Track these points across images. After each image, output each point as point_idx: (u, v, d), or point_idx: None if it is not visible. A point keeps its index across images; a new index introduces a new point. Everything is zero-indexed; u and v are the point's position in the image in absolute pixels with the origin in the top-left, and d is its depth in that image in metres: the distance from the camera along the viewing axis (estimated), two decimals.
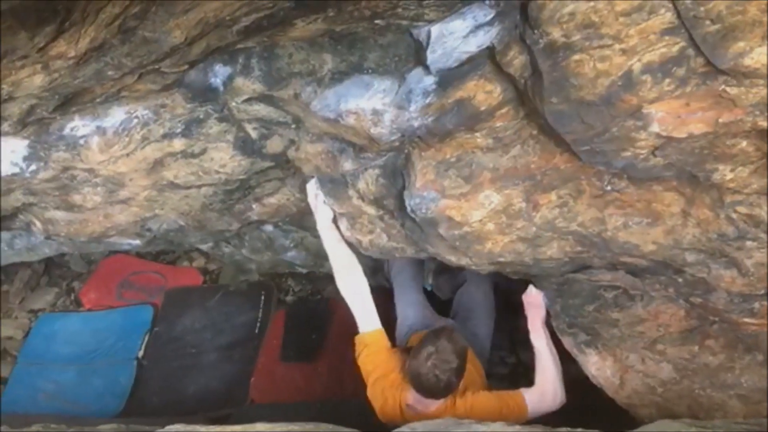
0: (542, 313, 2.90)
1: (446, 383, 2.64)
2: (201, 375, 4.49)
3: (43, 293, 5.24)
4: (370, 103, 2.35)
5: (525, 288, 3.02)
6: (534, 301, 2.92)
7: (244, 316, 4.73)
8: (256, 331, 4.63)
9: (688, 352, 2.52)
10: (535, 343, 2.91)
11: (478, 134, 2.28)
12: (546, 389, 2.84)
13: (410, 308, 3.49)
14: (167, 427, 2.25)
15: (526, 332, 3.73)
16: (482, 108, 2.20)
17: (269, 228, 4.19)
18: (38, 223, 3.61)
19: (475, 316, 3.57)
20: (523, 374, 4.21)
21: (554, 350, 2.87)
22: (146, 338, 4.76)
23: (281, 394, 4.25)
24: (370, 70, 2.33)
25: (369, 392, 2.95)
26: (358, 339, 3.00)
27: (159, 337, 4.77)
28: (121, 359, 4.66)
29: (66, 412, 4.32)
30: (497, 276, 3.48)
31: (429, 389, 2.67)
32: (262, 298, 4.79)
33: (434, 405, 2.74)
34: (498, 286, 3.89)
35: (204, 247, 4.61)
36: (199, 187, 3.18)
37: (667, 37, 1.76)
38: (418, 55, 2.23)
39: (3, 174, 3.00)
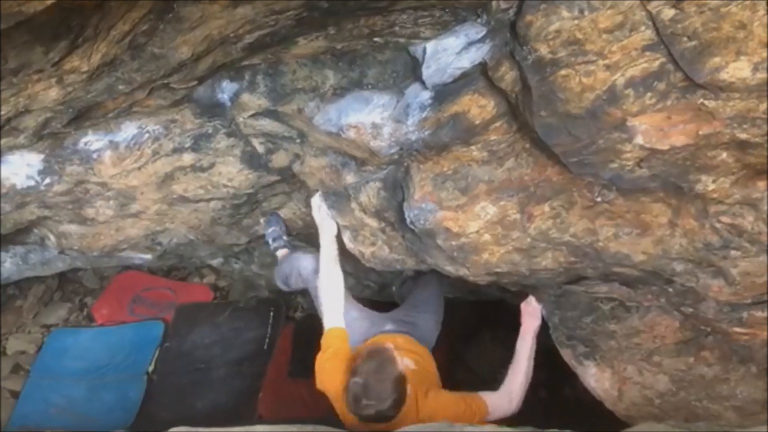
0: (536, 324, 2.93)
1: (385, 416, 2.56)
2: (210, 390, 4.60)
3: (57, 308, 5.39)
4: (370, 117, 2.47)
5: None
6: (532, 311, 2.95)
7: (253, 332, 4.85)
8: (265, 347, 4.74)
9: (684, 364, 2.60)
10: (519, 347, 2.93)
11: (473, 147, 2.39)
12: (511, 395, 2.86)
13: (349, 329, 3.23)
14: (172, 429, 2.35)
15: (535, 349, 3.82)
16: (477, 122, 2.32)
17: None
18: (52, 237, 3.75)
19: (418, 309, 3.43)
20: (531, 392, 4.28)
21: (532, 363, 2.91)
22: (156, 353, 4.89)
23: (289, 409, 4.34)
24: (369, 86, 2.45)
25: (319, 386, 2.97)
26: (329, 333, 2.96)
27: (169, 352, 4.89)
28: (132, 374, 4.78)
29: (76, 427, 4.45)
30: (503, 292, 3.58)
31: (370, 421, 2.60)
32: (271, 314, 4.91)
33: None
34: (504, 302, 3.97)
35: (214, 263, 4.74)
36: (208, 200, 3.32)
37: (647, 53, 1.87)
38: (415, 71, 2.36)
39: (19, 187, 3.14)
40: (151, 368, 4.80)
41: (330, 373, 2.85)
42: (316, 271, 3.14)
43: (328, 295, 3.00)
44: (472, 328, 4.61)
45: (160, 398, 4.61)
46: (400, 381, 2.57)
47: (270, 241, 3.56)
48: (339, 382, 2.72)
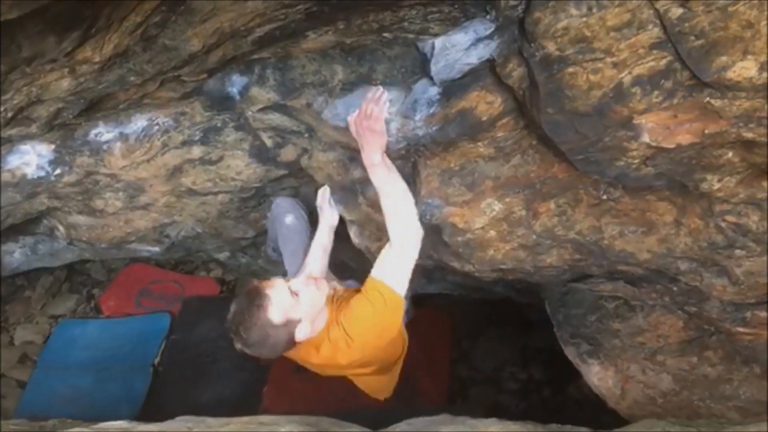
0: (382, 140, 2.45)
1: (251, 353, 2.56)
2: (215, 383, 4.62)
3: (64, 299, 5.42)
4: None
5: (538, 304, 3.09)
6: (372, 116, 2.40)
7: None
8: None
9: (687, 363, 2.61)
10: (375, 181, 2.49)
11: (480, 143, 2.41)
12: (403, 241, 2.51)
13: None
14: (177, 418, 2.38)
15: (539, 349, 3.76)
16: (484, 118, 2.33)
17: None
18: (61, 228, 3.79)
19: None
20: (535, 390, 4.31)
21: (401, 182, 2.50)
22: (163, 346, 4.92)
23: (293, 403, 4.36)
24: (378, 81, 2.48)
25: None
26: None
27: (175, 344, 4.91)
28: (138, 366, 4.81)
29: (82, 417, 4.48)
30: (508, 290, 3.59)
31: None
32: None
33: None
34: (510, 300, 3.99)
35: (221, 257, 4.77)
36: (216, 194, 3.35)
37: (655, 52, 1.88)
38: (423, 66, 2.38)
39: (29, 177, 3.18)
40: (157, 360, 4.82)
41: None
42: (287, 211, 3.21)
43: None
44: (477, 326, 4.62)
45: (165, 390, 4.64)
46: (270, 327, 2.45)
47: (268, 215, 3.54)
48: None
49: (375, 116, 2.41)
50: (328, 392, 4.43)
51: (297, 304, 2.50)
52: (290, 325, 2.49)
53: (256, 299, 2.47)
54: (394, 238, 2.51)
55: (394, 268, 2.52)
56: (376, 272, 2.53)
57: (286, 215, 3.25)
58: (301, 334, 2.52)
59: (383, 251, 2.54)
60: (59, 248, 4.31)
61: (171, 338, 4.97)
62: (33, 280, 5.41)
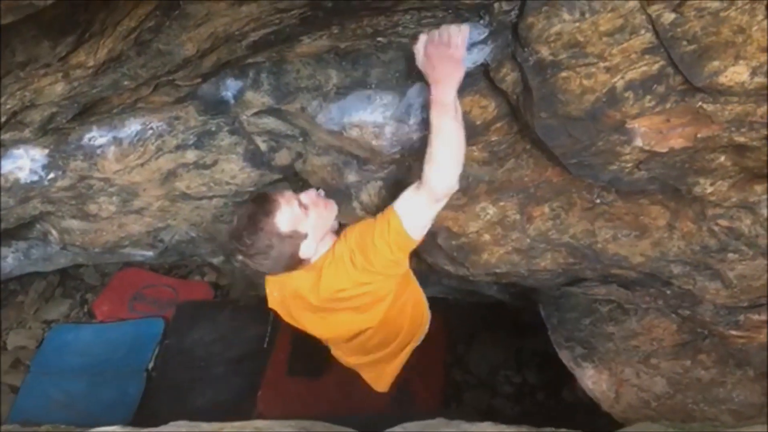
0: (461, 72, 2.15)
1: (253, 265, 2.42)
2: (209, 387, 4.63)
3: (58, 304, 5.43)
4: (372, 116, 2.50)
5: (532, 307, 3.09)
6: (453, 42, 2.09)
7: (253, 330, 4.88)
8: (265, 345, 4.77)
9: (681, 367, 2.63)
10: (439, 122, 2.16)
11: (474, 148, 2.42)
12: (439, 184, 2.24)
13: None
14: (171, 423, 2.38)
15: (534, 352, 3.76)
16: (478, 122, 2.34)
17: None
18: (55, 233, 3.78)
19: None
20: (530, 394, 4.33)
21: (462, 132, 2.19)
22: (156, 350, 4.93)
23: (288, 407, 4.37)
24: (372, 86, 2.48)
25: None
26: None
27: (169, 349, 4.93)
28: (131, 371, 4.82)
29: (76, 422, 4.48)
30: (503, 294, 3.61)
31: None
32: (272, 313, 4.94)
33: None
34: (505, 304, 4.01)
35: (215, 261, 4.77)
36: (210, 198, 3.35)
37: (647, 56, 1.90)
38: (418, 71, 2.39)
39: (23, 182, 3.17)
40: (150, 365, 4.84)
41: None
42: None
43: None
44: (472, 329, 4.64)
45: (159, 395, 4.65)
46: (275, 235, 2.35)
47: None
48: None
49: (456, 41, 2.09)
50: (322, 396, 4.44)
51: (305, 217, 2.42)
52: (296, 237, 2.39)
53: (264, 204, 2.38)
54: (433, 184, 2.24)
55: (417, 209, 2.31)
56: (398, 207, 2.33)
57: None
58: (306, 249, 2.43)
59: (410, 189, 2.34)
60: (52, 253, 4.29)
61: (165, 343, 4.98)
62: (26, 285, 5.43)
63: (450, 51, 2.10)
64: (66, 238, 3.75)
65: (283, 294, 2.73)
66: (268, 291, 2.85)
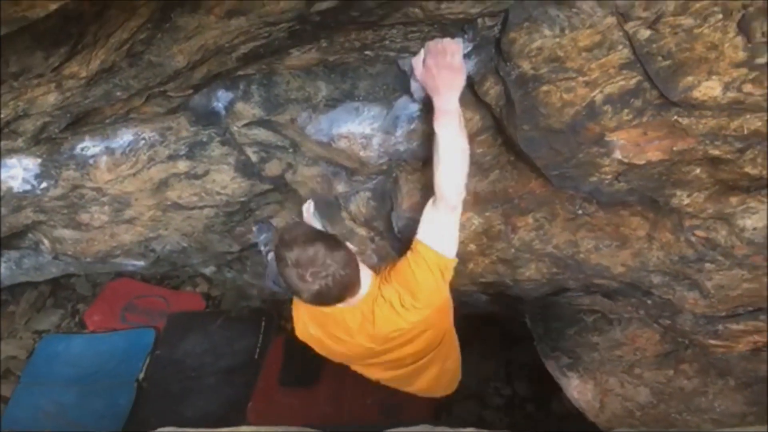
0: (462, 79, 2.22)
1: (340, 286, 2.31)
2: (200, 398, 4.69)
3: (49, 314, 5.48)
4: (360, 128, 2.57)
5: (522, 319, 3.11)
6: (449, 51, 2.19)
7: (244, 341, 4.95)
8: (256, 356, 4.84)
9: (664, 376, 2.69)
10: (443, 130, 2.23)
11: None
12: (456, 197, 2.32)
13: None
14: (159, 429, 2.43)
15: (523, 365, 3.80)
16: None
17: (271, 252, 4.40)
18: (46, 242, 3.83)
19: None
20: (519, 406, 4.38)
21: (465, 135, 2.27)
22: (147, 361, 4.98)
23: (279, 418, 4.42)
24: (360, 98, 2.55)
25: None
26: None
27: (160, 360, 4.99)
28: (122, 381, 4.87)
29: None
30: (492, 305, 3.67)
31: (322, 302, 2.37)
32: (263, 324, 5.02)
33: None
34: (495, 316, 4.06)
35: (207, 271, 4.82)
36: (202, 208, 3.41)
37: (624, 71, 1.98)
38: (404, 84, 2.46)
39: (15, 191, 3.22)
40: (141, 375, 4.89)
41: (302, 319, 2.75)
42: None
43: None
44: (462, 342, 4.68)
45: (150, 405, 4.70)
46: (340, 243, 2.33)
47: (262, 247, 3.57)
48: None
49: (452, 50, 2.19)
50: (313, 407, 4.50)
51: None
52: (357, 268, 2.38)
53: (329, 238, 2.36)
54: (447, 194, 2.30)
55: (440, 226, 2.37)
56: (422, 235, 2.40)
57: None
58: (365, 281, 2.44)
59: (430, 209, 2.39)
60: (44, 262, 4.33)
61: (156, 353, 5.04)
62: (17, 295, 5.47)
63: (448, 60, 2.20)
64: (58, 247, 3.80)
65: (324, 330, 2.71)
66: (298, 325, 2.85)
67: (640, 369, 2.72)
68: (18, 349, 5.25)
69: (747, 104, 1.85)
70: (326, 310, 2.49)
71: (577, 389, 2.88)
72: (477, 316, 4.18)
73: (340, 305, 2.42)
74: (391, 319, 2.45)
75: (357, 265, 2.38)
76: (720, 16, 1.76)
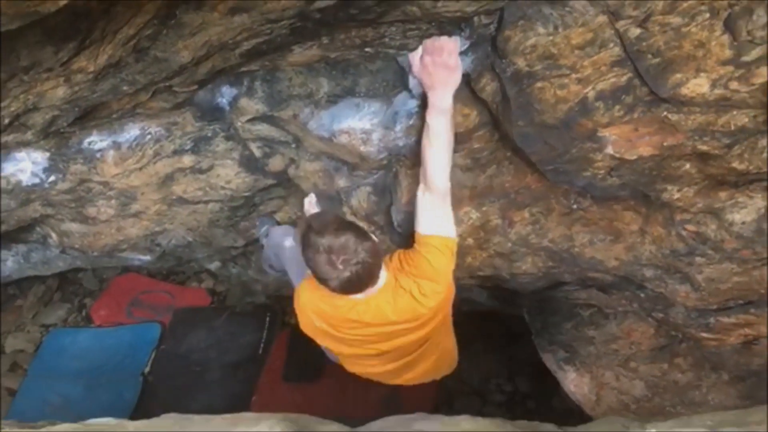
0: (457, 77, 2.34)
1: (368, 271, 2.42)
2: (204, 392, 4.75)
3: (56, 308, 5.54)
4: (361, 123, 2.64)
5: (524, 316, 3.22)
6: (446, 49, 2.28)
7: (248, 336, 5.01)
8: (260, 351, 4.90)
9: (658, 370, 2.75)
10: (437, 125, 2.39)
11: (457, 154, 2.55)
12: (446, 187, 2.49)
13: None
14: (162, 416, 2.50)
15: (525, 361, 3.86)
16: (461, 130, 2.49)
17: None
18: (54, 235, 3.91)
19: None
20: (520, 402, 4.43)
21: (453, 131, 2.43)
22: (153, 355, 5.05)
23: (282, 412, 4.48)
24: (361, 94, 2.63)
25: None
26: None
27: (165, 354, 5.05)
28: (128, 375, 4.94)
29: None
30: (493, 301, 3.73)
31: (352, 290, 2.49)
32: (267, 319, 5.07)
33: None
34: (497, 312, 4.12)
35: (212, 267, 4.89)
36: (207, 202, 3.49)
37: (616, 69, 2.05)
38: (403, 80, 2.54)
39: (24, 184, 3.29)
40: (147, 369, 4.96)
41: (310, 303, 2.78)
42: (284, 235, 3.27)
43: None
44: (463, 338, 4.74)
45: (155, 399, 4.76)
46: (367, 233, 2.46)
47: (263, 240, 3.63)
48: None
49: (449, 49, 2.28)
50: (316, 402, 4.56)
51: None
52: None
53: (358, 228, 2.48)
54: (439, 183, 2.48)
55: (440, 214, 2.53)
56: (425, 228, 2.55)
57: (284, 239, 3.36)
58: (383, 273, 2.54)
59: (423, 201, 2.53)
60: (51, 256, 4.40)
61: (161, 348, 5.10)
62: (25, 289, 5.54)
63: (444, 58, 2.30)
64: (65, 240, 3.88)
65: (330, 323, 2.76)
66: (302, 319, 2.90)
67: (635, 363, 2.79)
68: (25, 342, 5.32)
69: (733, 101, 1.92)
70: (339, 302, 2.60)
71: (574, 383, 2.95)
72: (478, 312, 4.25)
73: (358, 296, 2.53)
74: (411, 306, 2.57)
75: (381, 256, 2.51)
76: (707, 15, 1.83)
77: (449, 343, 3.11)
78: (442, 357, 3.11)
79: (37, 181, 3.29)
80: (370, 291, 2.53)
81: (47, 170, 3.26)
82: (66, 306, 5.57)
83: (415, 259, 2.56)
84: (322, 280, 2.44)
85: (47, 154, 3.19)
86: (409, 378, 3.12)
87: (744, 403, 2.63)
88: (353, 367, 3.15)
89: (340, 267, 2.35)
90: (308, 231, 2.42)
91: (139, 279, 5.58)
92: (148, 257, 4.12)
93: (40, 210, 3.58)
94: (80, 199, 3.48)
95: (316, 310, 2.76)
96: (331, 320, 2.74)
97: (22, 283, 5.29)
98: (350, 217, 3.05)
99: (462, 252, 2.75)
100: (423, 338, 2.81)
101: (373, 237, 2.49)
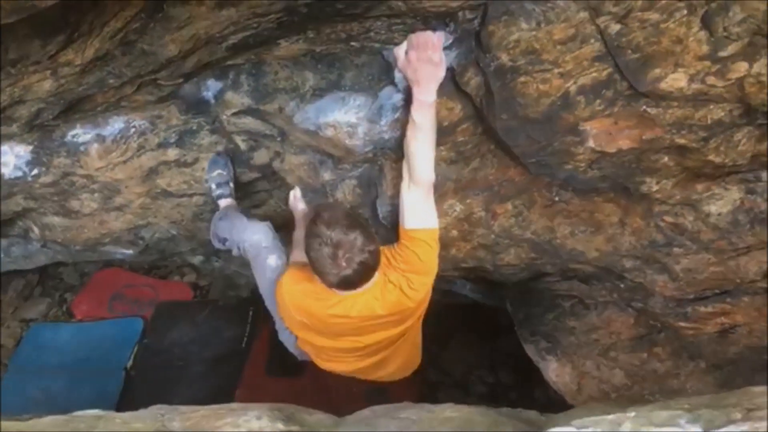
0: (441, 72, 2.38)
1: (369, 266, 2.44)
2: (187, 387, 4.77)
3: (36, 303, 5.55)
4: (346, 117, 2.69)
5: (506, 308, 3.27)
6: (430, 45, 2.32)
7: (231, 330, 5.04)
8: (243, 345, 4.94)
9: (638, 359, 2.83)
10: (421, 119, 2.42)
11: (442, 147, 2.61)
12: (430, 180, 2.53)
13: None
14: (151, 407, 2.54)
15: (507, 353, 3.92)
16: (445, 123, 2.54)
17: None
18: (36, 229, 3.92)
19: None
20: (503, 394, 4.50)
21: (435, 125, 2.47)
22: (135, 349, 5.07)
23: None
24: (346, 87, 2.66)
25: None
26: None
27: (148, 348, 5.07)
28: (110, 369, 4.95)
29: None
30: (476, 294, 3.80)
31: (351, 285, 2.50)
32: (250, 313, 5.10)
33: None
34: (480, 306, 4.18)
35: (195, 261, 4.92)
36: (191, 195, 3.51)
37: (597, 64, 2.11)
38: (389, 74, 2.59)
39: (7, 177, 3.29)
40: (129, 364, 4.98)
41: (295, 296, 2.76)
42: (268, 248, 3.04)
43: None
44: (447, 331, 4.81)
45: (137, 394, 4.77)
46: (373, 233, 2.48)
47: (213, 186, 3.31)
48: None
49: (433, 45, 2.32)
50: (300, 396, 4.58)
51: None
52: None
53: (366, 227, 2.48)
54: (423, 177, 2.51)
55: (425, 208, 2.57)
56: (411, 223, 2.57)
57: (268, 258, 3.09)
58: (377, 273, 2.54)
59: (408, 196, 2.56)
60: (33, 250, 4.40)
61: (143, 342, 5.12)
62: (5, 284, 5.53)
63: (429, 54, 2.34)
64: (47, 234, 3.89)
65: (311, 319, 2.77)
66: (282, 310, 2.92)
67: (615, 352, 2.86)
68: (6, 337, 5.32)
69: (710, 95, 1.99)
70: (325, 296, 2.62)
71: (555, 372, 3.02)
72: (461, 305, 4.32)
73: (348, 292, 2.55)
74: (400, 300, 2.61)
75: (380, 256, 2.52)
76: (685, 11, 1.90)
77: (418, 339, 3.14)
78: (411, 353, 3.15)
79: (20, 174, 3.31)
80: (360, 288, 2.56)
81: (30, 163, 3.27)
82: (47, 301, 5.57)
83: (403, 254, 2.59)
84: (320, 273, 2.46)
85: (30, 147, 3.21)
86: (381, 375, 3.15)
87: (721, 390, 2.70)
88: (327, 363, 3.15)
89: (343, 264, 2.37)
90: (317, 220, 2.42)
91: (120, 273, 5.60)
92: (130, 251, 4.14)
93: (23, 203, 3.59)
94: (63, 193, 3.49)
95: (297, 305, 2.77)
96: (312, 317, 2.76)
97: (2, 278, 5.28)
98: None
99: (446, 244, 2.80)
100: (402, 332, 2.86)
101: (377, 240, 2.51)
